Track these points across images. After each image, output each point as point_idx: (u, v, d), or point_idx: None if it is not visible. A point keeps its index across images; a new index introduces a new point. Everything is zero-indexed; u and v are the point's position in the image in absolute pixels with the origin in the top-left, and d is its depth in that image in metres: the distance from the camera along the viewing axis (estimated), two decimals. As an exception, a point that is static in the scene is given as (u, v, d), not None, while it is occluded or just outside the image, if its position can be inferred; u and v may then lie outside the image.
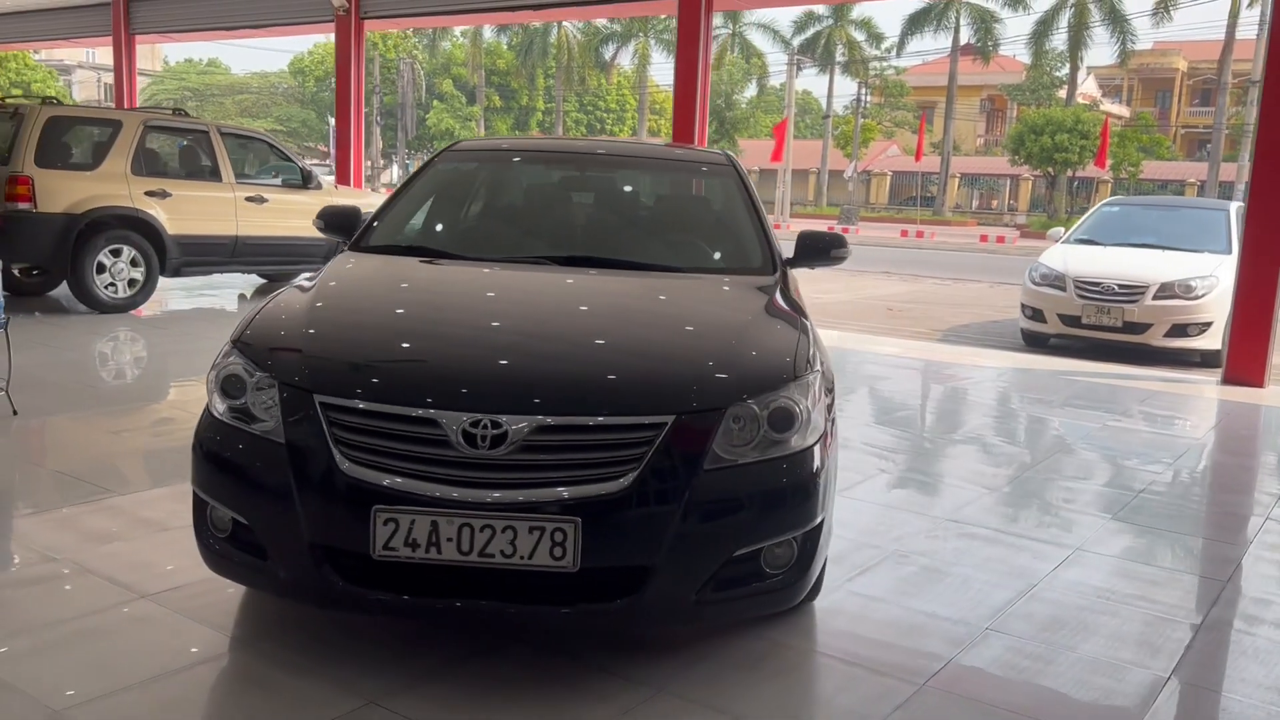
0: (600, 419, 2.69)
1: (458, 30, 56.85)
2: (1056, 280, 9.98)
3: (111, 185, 9.16)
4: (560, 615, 2.68)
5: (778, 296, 3.58)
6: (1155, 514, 4.71)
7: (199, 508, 2.95)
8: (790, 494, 2.85)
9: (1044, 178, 44.56)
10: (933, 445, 5.91)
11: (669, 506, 2.67)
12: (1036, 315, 10.20)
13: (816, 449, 2.94)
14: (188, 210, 9.66)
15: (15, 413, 5.47)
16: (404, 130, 54.85)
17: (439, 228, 4.24)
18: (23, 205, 8.74)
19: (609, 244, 4.02)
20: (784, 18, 73.50)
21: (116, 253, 9.19)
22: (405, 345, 3.02)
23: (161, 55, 73.06)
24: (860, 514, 4.47)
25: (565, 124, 58.07)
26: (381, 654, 2.96)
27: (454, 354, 2.95)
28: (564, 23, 51.77)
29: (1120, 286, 9.62)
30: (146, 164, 9.54)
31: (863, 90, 48.72)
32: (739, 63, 47.41)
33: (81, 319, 8.90)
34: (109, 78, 66.77)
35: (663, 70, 66.89)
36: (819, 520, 2.92)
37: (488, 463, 2.63)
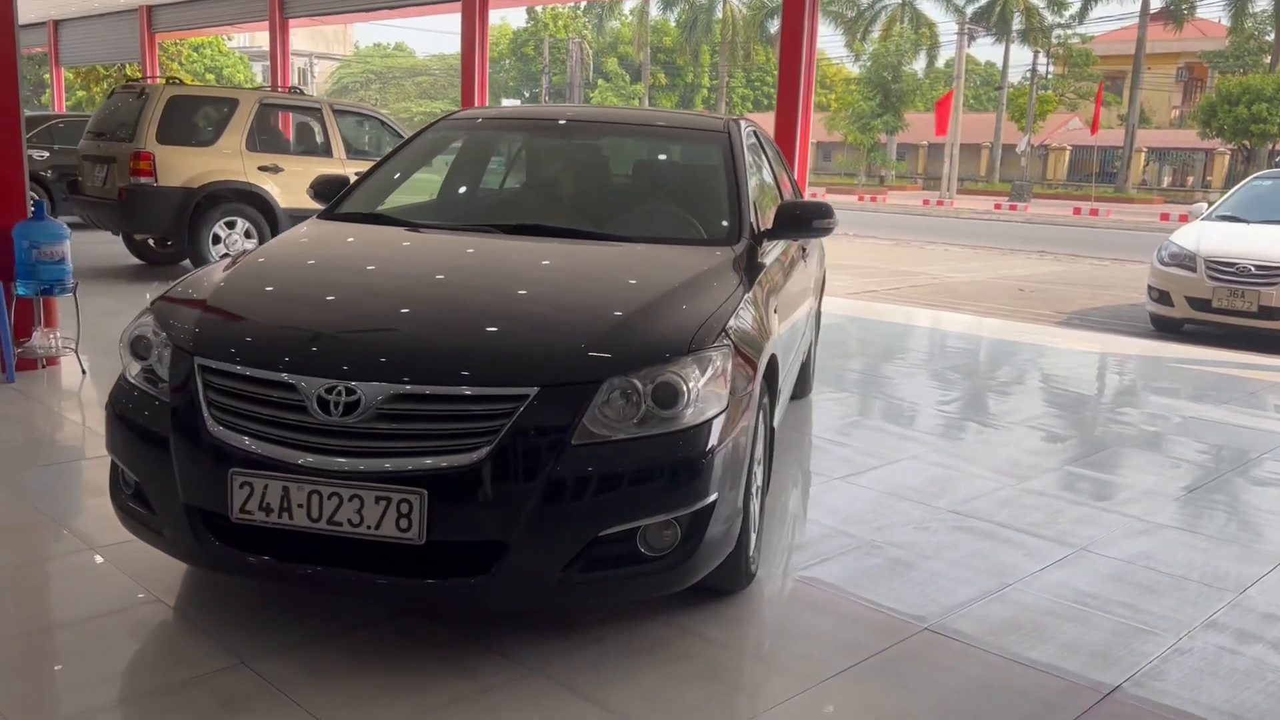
0: (454, 389, 2.61)
1: (626, 8, 57.27)
2: (1186, 260, 9.19)
3: (227, 161, 9.64)
4: (412, 587, 2.63)
5: (723, 267, 3.40)
6: (1197, 513, 4.26)
7: (112, 466, 3.04)
8: (671, 472, 2.70)
9: (1240, 152, 41.14)
10: (968, 430, 5.53)
11: (526, 482, 2.57)
12: (1163, 298, 9.42)
13: (713, 426, 2.77)
14: (299, 185, 10.06)
15: (84, 373, 5.83)
16: (571, 109, 55.74)
17: (396, 196, 4.23)
18: (144, 179, 9.31)
19: (563, 213, 3.92)
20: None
21: (231, 224, 9.67)
22: (285, 311, 3.02)
23: (352, 40, 76.67)
24: (854, 501, 4.22)
25: (732, 100, 57.67)
26: (268, 617, 2.98)
27: (321, 320, 2.92)
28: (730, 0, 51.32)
29: (1257, 268, 8.76)
30: (261, 140, 9.99)
31: (1043, 60, 46.18)
32: (907, 33, 45.73)
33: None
34: (299, 63, 70.69)
35: (831, 43, 65.31)
36: (708, 501, 2.76)
37: (341, 430, 2.60)
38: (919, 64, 48.02)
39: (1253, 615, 3.33)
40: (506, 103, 47.79)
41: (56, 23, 24.43)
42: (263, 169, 9.83)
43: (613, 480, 2.64)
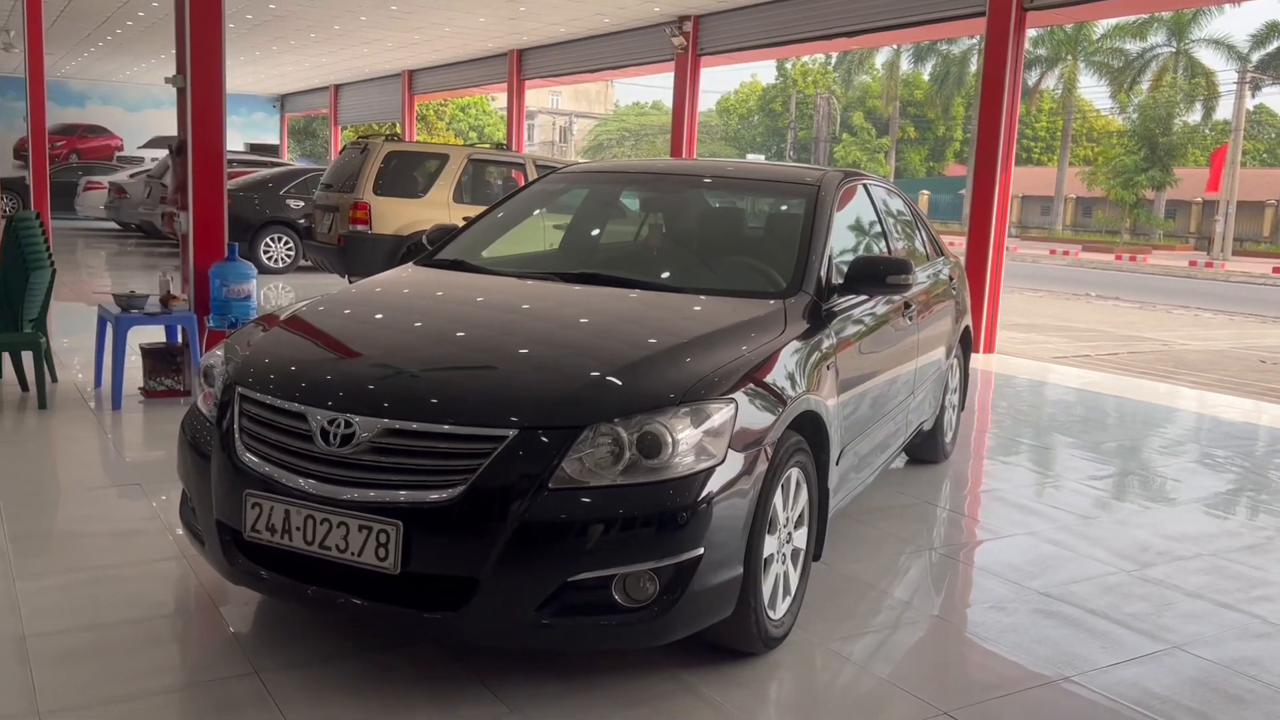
0: (436, 426, 2.71)
1: (878, 61, 56.73)
2: None
3: (434, 211, 10.36)
4: (390, 614, 2.73)
5: (766, 320, 3.34)
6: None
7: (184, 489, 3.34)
8: (650, 522, 2.68)
9: None
10: (1108, 509, 5.05)
11: (497, 521, 2.63)
12: None
13: (703, 479, 2.74)
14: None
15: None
16: (817, 165, 55.81)
17: (490, 244, 4.41)
18: (360, 227, 10.17)
19: (629, 263, 3.98)
20: (1239, 32, 64.65)
21: (435, 270, 10.36)
22: (313, 349, 3.23)
23: (613, 99, 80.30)
24: (936, 576, 4.00)
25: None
26: (292, 635, 3.18)
27: (337, 358, 3.11)
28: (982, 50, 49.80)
29: None
30: (468, 191, 10.68)
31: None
32: (1179, 83, 42.65)
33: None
34: (560, 121, 74.59)
35: (1095, 94, 61.68)
36: (692, 555, 2.71)
37: (337, 460, 2.76)
38: (1194, 115, 44.65)
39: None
40: (751, 157, 48.37)
41: (337, 87, 27.13)
42: (466, 219, 10.47)
43: (587, 526, 2.66)
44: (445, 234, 4.49)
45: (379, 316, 3.55)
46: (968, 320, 5.75)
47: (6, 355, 6.36)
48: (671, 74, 14.29)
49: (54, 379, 6.53)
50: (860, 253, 4.25)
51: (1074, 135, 51.31)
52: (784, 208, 4.27)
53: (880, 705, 2.94)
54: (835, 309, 3.72)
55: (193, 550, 3.69)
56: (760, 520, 2.96)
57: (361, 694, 2.84)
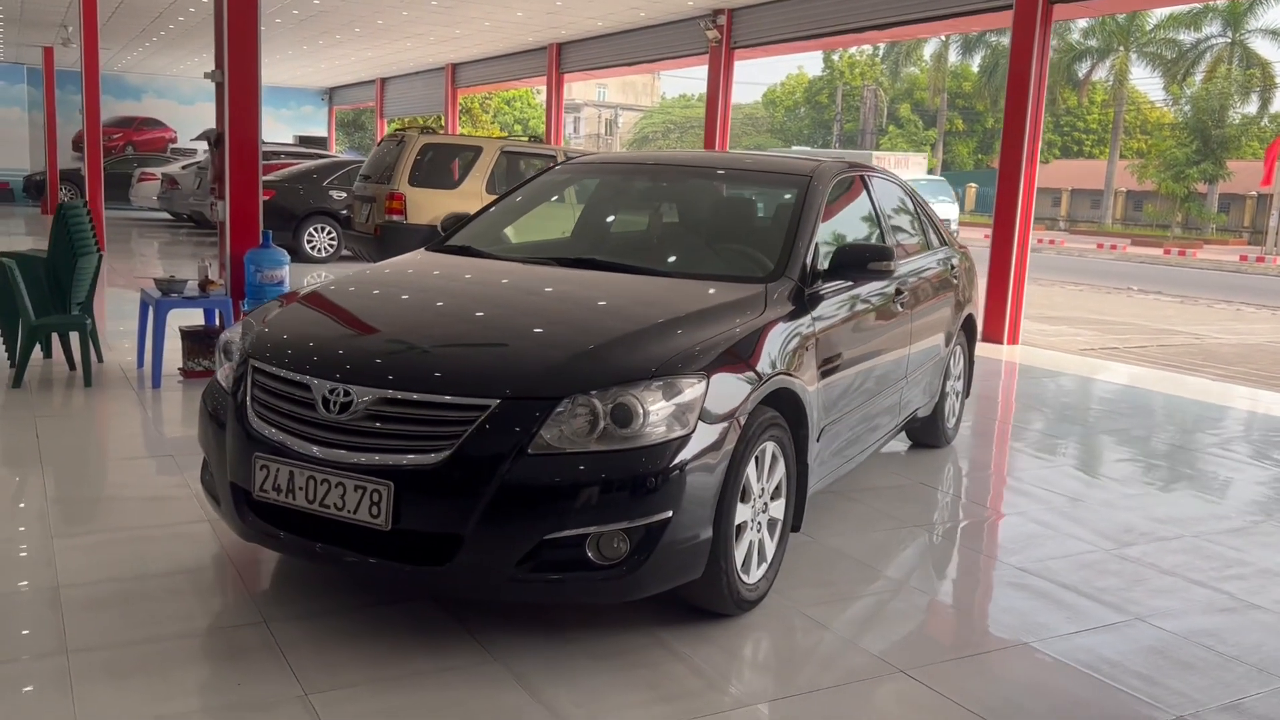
0: (426, 395, 2.95)
1: (926, 53, 56.27)
2: None
3: (468, 201, 10.62)
4: (382, 569, 2.97)
5: (745, 303, 3.54)
6: None
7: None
8: (621, 486, 2.89)
9: None
10: (1100, 492, 5.16)
11: (480, 483, 2.86)
12: None
13: (673, 447, 2.95)
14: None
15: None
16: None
17: (495, 230, 4.64)
18: (396, 217, 10.49)
19: (623, 249, 4.19)
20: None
21: (467, 259, 10.66)
22: (321, 325, 3.48)
23: (659, 92, 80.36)
24: (916, 550, 4.17)
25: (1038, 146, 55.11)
26: (303, 588, 3.45)
27: (342, 333, 3.37)
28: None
29: None
30: (501, 183, 10.95)
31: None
32: (1233, 74, 41.84)
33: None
34: (606, 114, 74.80)
35: (1150, 86, 60.51)
36: (661, 517, 2.92)
37: (337, 425, 3.01)
38: (1250, 107, 43.78)
39: (1291, 706, 3.02)
40: (797, 149, 48.24)
41: (383, 80, 27.59)
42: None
43: (562, 489, 2.88)
44: (458, 222, 4.74)
45: (383, 296, 3.79)
46: (971, 309, 5.88)
47: (56, 336, 6.73)
48: (706, 67, 14.46)
49: (100, 359, 6.89)
50: (849, 241, 4.41)
51: (1127, 128, 50.51)
52: (777, 197, 4.45)
53: (840, 664, 3.13)
54: (820, 294, 3.90)
55: (215, 515, 3.98)
56: (731, 489, 3.15)
57: (361, 642, 3.09)
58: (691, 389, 3.04)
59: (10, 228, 18.69)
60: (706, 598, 3.26)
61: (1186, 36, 43.57)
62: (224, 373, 3.52)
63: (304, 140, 28.55)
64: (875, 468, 5.26)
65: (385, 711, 2.72)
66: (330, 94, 32.50)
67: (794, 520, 3.67)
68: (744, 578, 3.33)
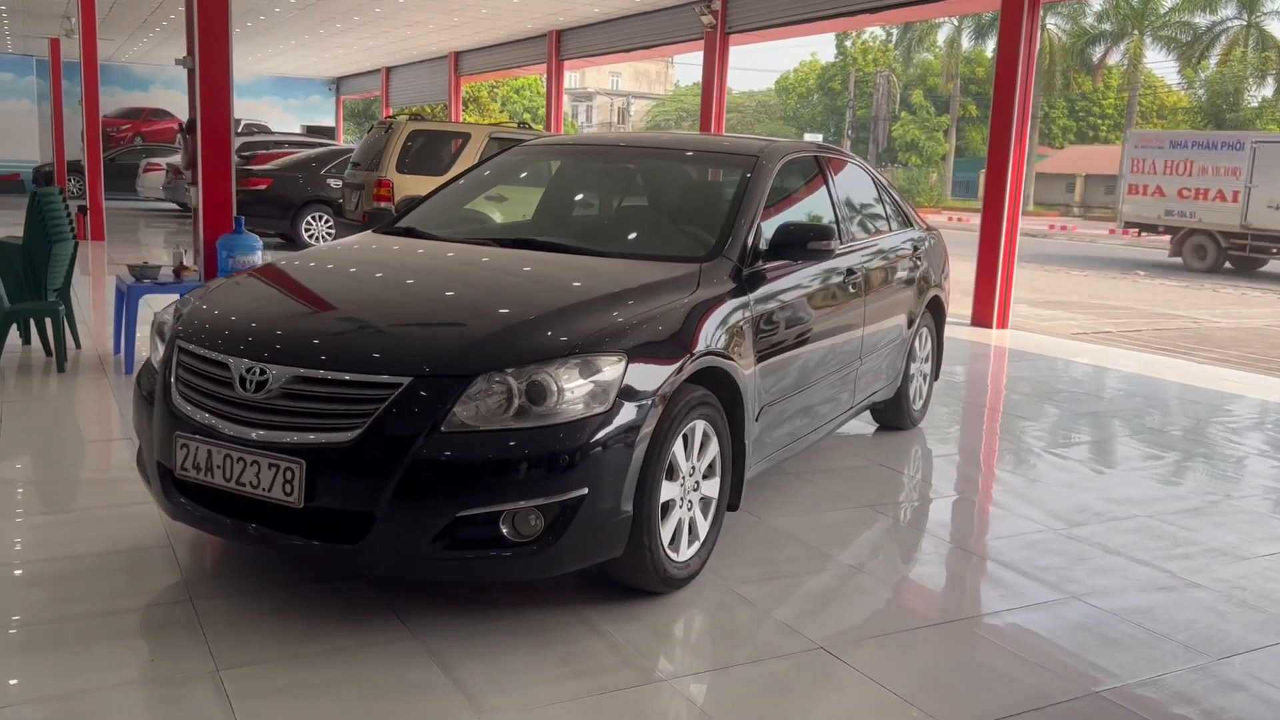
0: (337, 374, 2.95)
1: (939, 38, 55.87)
2: None
3: (456, 188, 10.64)
4: (297, 546, 2.98)
5: (677, 282, 3.53)
6: (1259, 578, 3.80)
7: (140, 433, 3.65)
8: (534, 463, 2.89)
9: None
10: (1064, 472, 5.12)
11: (391, 461, 2.86)
12: None
13: (588, 425, 2.94)
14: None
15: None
16: (875, 144, 55.27)
17: (446, 213, 4.62)
18: (384, 204, 10.50)
19: (561, 229, 4.18)
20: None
21: (456, 246, 10.67)
22: (243, 306, 3.49)
23: (673, 79, 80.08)
24: (861, 530, 4.15)
25: (1052, 131, 54.71)
26: (234, 567, 3.47)
27: (262, 313, 3.37)
28: (1047, 25, 48.72)
29: None
30: (490, 170, 10.93)
31: None
32: (1249, 58, 41.36)
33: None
34: (618, 102, 74.62)
35: (1165, 69, 59.79)
36: (575, 494, 2.92)
37: (253, 404, 3.02)
38: (1266, 90, 43.29)
39: (1210, 683, 2.99)
40: (809, 137, 48.06)
41: (388, 69, 27.62)
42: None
43: (475, 466, 2.88)
44: (410, 204, 4.73)
45: (311, 277, 3.80)
46: (938, 291, 5.84)
47: (31, 322, 6.77)
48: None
49: (78, 345, 6.94)
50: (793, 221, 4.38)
51: (1142, 112, 49.99)
52: (723, 177, 4.43)
53: (761, 641, 3.12)
54: (762, 273, 3.88)
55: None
56: (654, 466, 3.14)
57: (282, 619, 3.10)
58: (611, 367, 3.03)
59: (17, 219, 18.81)
60: (632, 575, 3.26)
61: (1201, 19, 43.11)
62: (157, 354, 3.54)
63: (312, 130, 28.61)
64: (837, 449, 5.25)
65: (292, 687, 2.73)
66: (338, 84, 32.56)
67: (733, 499, 3.66)
68: (672, 555, 3.33)
